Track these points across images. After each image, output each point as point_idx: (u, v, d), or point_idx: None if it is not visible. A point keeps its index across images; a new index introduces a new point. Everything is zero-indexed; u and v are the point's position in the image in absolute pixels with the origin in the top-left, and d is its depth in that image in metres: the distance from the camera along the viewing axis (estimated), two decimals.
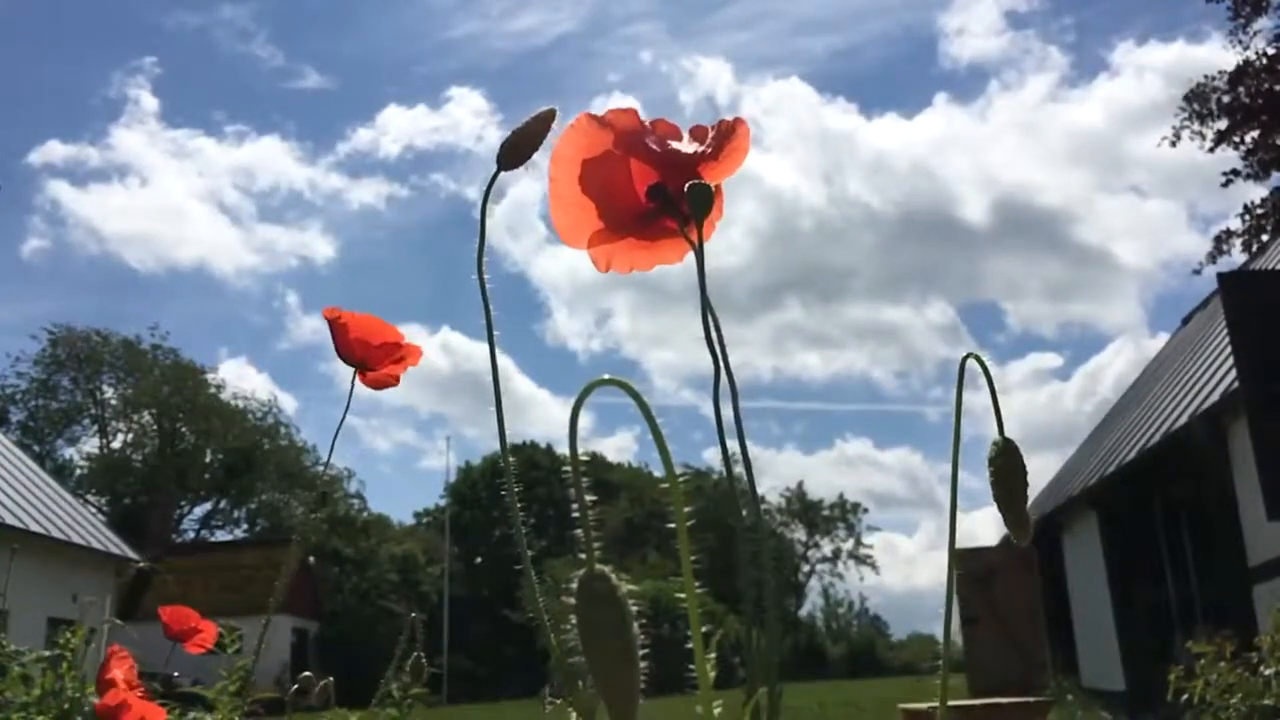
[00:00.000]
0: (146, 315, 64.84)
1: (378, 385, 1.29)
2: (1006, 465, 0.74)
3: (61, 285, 53.86)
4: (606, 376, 0.61)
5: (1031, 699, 6.38)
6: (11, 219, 51.95)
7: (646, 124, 0.82)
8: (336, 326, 1.25)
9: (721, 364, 0.77)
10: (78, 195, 54.21)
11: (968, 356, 0.76)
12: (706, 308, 0.79)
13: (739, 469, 0.76)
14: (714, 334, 0.78)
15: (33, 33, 53.06)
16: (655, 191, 0.83)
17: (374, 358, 1.26)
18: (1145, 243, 60.67)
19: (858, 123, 61.50)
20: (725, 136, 0.84)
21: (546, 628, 0.74)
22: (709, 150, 0.83)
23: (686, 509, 0.61)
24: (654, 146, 0.82)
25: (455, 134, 61.48)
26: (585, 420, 0.59)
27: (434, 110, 65.33)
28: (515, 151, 0.84)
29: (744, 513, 0.78)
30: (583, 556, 0.56)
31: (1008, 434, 0.73)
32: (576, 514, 0.57)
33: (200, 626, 2.06)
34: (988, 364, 0.75)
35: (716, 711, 0.67)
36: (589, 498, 0.57)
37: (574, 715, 0.73)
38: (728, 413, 0.76)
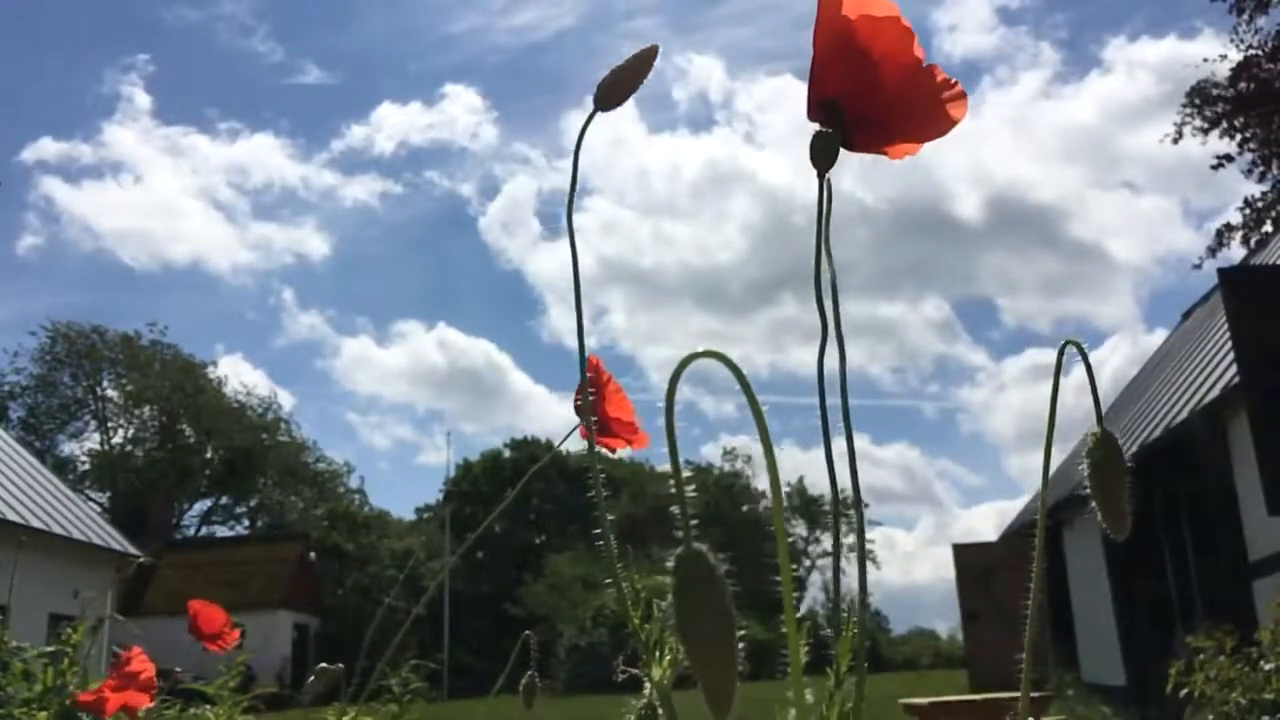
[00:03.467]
0: (142, 312, 64.91)
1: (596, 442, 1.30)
2: (1105, 458, 0.72)
3: (56, 282, 53.87)
4: (702, 349, 0.58)
5: (1033, 694, 6.39)
6: (6, 216, 51.91)
7: (905, 31, 0.72)
8: (604, 390, 1.26)
9: (831, 325, 0.72)
10: (71, 192, 54.14)
11: (1066, 343, 0.74)
12: (823, 245, 0.72)
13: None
14: (828, 289, 0.72)
15: (25, 30, 53.02)
16: (828, 106, 0.75)
17: (616, 429, 1.28)
18: (1139, 239, 60.56)
19: None
20: (947, 96, 0.74)
21: (625, 599, 0.73)
22: (921, 102, 0.73)
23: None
24: (878, 56, 0.72)
25: (450, 131, 61.46)
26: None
27: (429, 107, 65.20)
28: (614, 90, 0.79)
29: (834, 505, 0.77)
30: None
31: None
32: (674, 490, 0.55)
33: (229, 632, 2.07)
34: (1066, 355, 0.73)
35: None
36: (687, 475, 0.55)
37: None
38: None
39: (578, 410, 1.25)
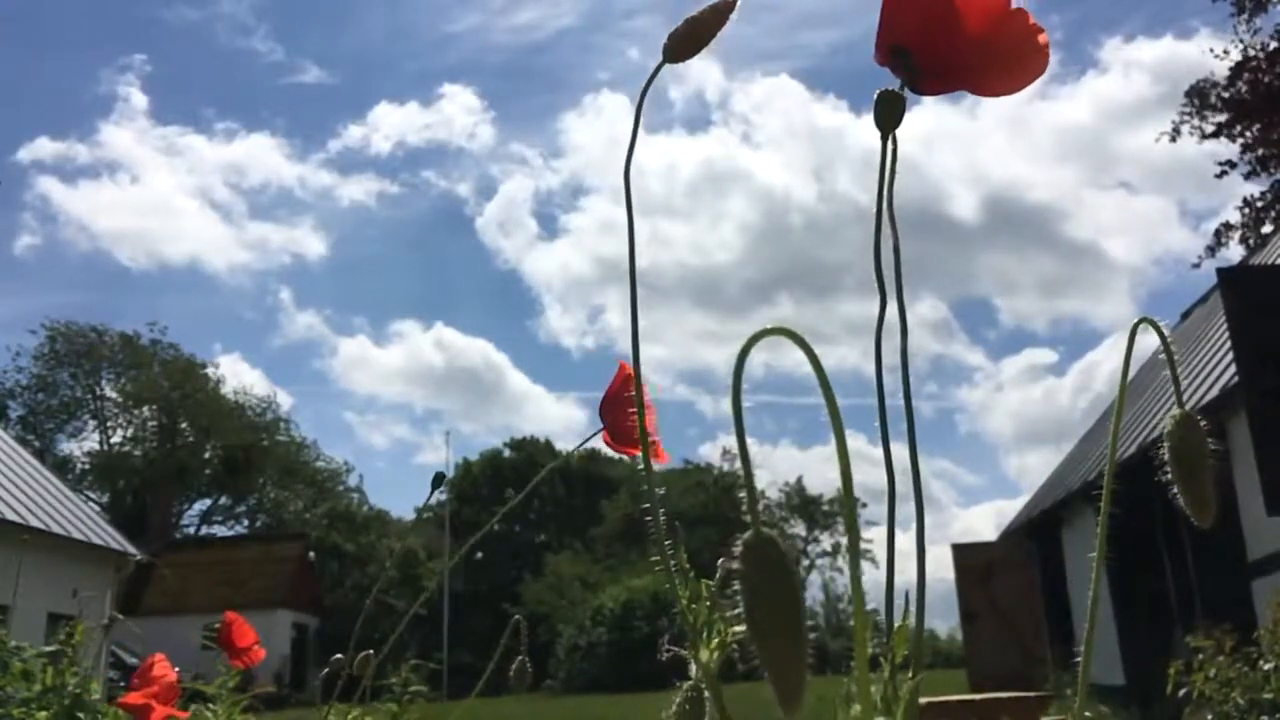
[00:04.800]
0: (139, 312, 64.84)
1: (615, 448, 1.29)
2: (1186, 441, 0.67)
3: (54, 282, 53.88)
4: (771, 326, 0.55)
5: (1031, 694, 6.39)
6: (2, 216, 51.90)
7: None
8: (623, 399, 1.23)
9: (895, 297, 0.67)
10: (68, 192, 54.17)
11: (1140, 321, 0.69)
12: (887, 202, 0.66)
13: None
14: (887, 255, 0.67)
15: (23, 30, 53.01)
16: (896, 52, 0.67)
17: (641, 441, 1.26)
18: (1136, 239, 60.60)
19: (847, 119, 61.26)
20: (1037, 43, 0.66)
21: (672, 573, 0.71)
22: (1002, 51, 0.65)
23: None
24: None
25: (448, 131, 61.42)
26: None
27: (426, 107, 65.19)
28: (687, 41, 0.73)
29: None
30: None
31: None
32: (741, 469, 0.55)
33: (258, 650, 2.07)
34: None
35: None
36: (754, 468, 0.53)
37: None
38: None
39: (602, 414, 1.22)
